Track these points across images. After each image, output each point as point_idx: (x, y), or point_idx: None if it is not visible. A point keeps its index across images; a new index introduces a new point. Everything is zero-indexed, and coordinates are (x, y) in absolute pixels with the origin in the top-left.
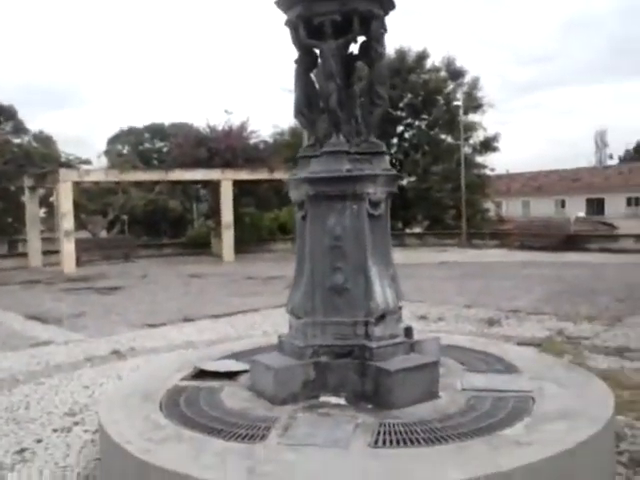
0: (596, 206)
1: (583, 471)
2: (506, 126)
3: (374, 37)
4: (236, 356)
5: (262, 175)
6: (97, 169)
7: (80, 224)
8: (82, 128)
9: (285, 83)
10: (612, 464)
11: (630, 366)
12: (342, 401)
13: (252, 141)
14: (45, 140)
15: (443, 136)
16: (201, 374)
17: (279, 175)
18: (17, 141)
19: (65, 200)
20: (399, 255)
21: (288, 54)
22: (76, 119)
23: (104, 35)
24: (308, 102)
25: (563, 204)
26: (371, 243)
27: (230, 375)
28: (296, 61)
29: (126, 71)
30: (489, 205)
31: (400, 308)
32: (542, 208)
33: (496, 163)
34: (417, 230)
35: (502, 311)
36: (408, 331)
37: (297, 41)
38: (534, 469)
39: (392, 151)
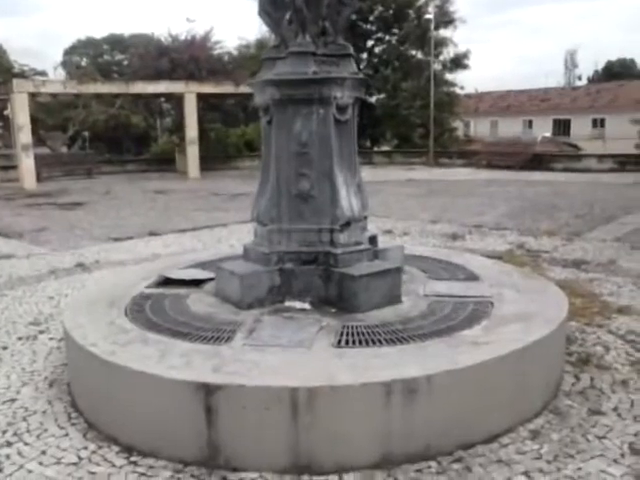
0: (563, 127)
1: (534, 368)
2: (476, 44)
3: None
4: (202, 265)
5: (227, 89)
6: (54, 80)
7: (39, 140)
8: (36, 38)
9: None
10: (561, 363)
11: (585, 277)
12: (307, 305)
13: (216, 52)
14: None
15: (413, 52)
16: (167, 282)
17: (245, 89)
18: None
19: (21, 113)
20: (367, 173)
21: None
22: (29, 28)
23: None
24: (273, 0)
25: (530, 124)
26: (337, 149)
27: (196, 282)
28: None
29: None
30: (457, 124)
31: (365, 217)
32: (510, 128)
33: (465, 81)
34: (385, 148)
35: (466, 226)
36: (373, 239)
37: None
38: (489, 366)
39: (361, 66)
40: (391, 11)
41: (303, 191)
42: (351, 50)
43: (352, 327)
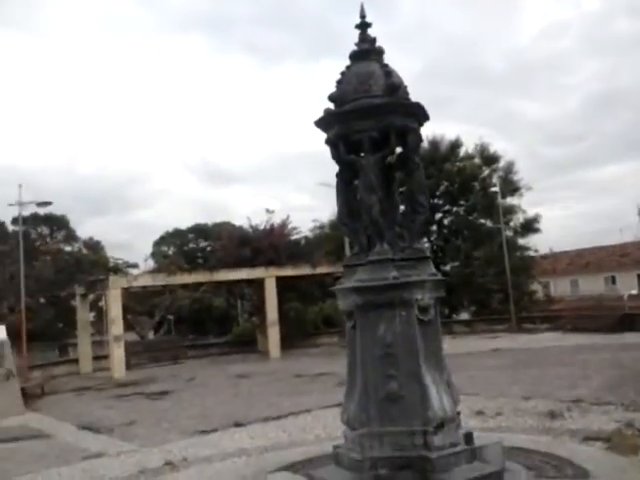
0: None
1: None
2: (545, 205)
3: (411, 149)
4: (291, 467)
5: (305, 271)
6: (144, 274)
7: (128, 326)
8: (128, 232)
9: (322, 177)
10: None
11: None
12: None
13: (294, 237)
14: (94, 246)
15: (482, 220)
16: None
17: (322, 270)
18: (68, 249)
19: (114, 306)
20: (447, 344)
21: (324, 150)
22: (123, 224)
23: (149, 140)
24: (350, 212)
25: (614, 280)
26: (423, 349)
27: None
28: (337, 175)
29: (170, 176)
30: (536, 286)
31: (458, 414)
32: (592, 286)
33: (539, 243)
34: (465, 316)
35: (563, 402)
36: (468, 437)
37: (337, 157)
38: None
39: (432, 238)
40: (456, 185)
41: (392, 392)
42: (428, 253)
43: None
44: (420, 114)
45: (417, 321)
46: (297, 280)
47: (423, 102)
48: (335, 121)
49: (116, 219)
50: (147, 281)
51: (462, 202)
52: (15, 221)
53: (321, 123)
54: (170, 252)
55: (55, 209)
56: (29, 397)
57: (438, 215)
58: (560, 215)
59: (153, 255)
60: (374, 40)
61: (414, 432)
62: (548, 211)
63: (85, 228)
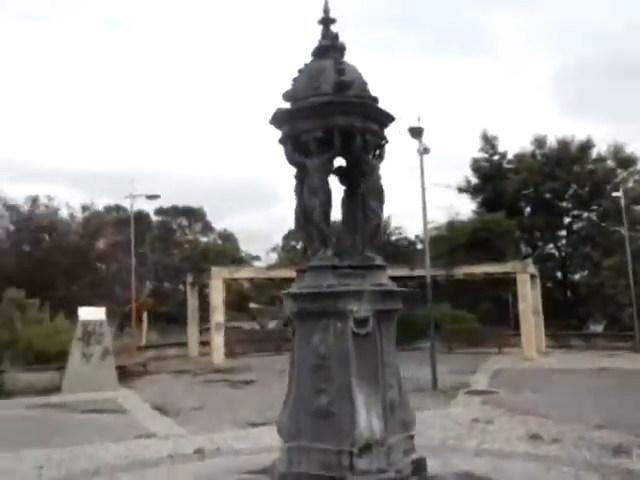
0: None
1: None
2: None
3: (359, 150)
4: (264, 470)
5: (402, 272)
6: (247, 267)
7: (251, 316)
8: (272, 226)
9: (435, 179)
10: None
11: None
12: None
13: (394, 238)
14: (228, 237)
15: (616, 228)
16: None
17: (420, 272)
18: (204, 239)
19: (216, 295)
20: (557, 359)
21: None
22: (267, 217)
23: None
24: (306, 216)
25: None
26: (357, 364)
27: None
28: (294, 176)
29: None
30: None
31: (411, 437)
32: None
33: None
34: (598, 329)
35: (638, 436)
36: (418, 464)
37: (288, 158)
38: None
39: (559, 244)
40: (587, 189)
41: (321, 407)
42: (379, 261)
43: None
44: (372, 113)
45: (352, 334)
46: (394, 281)
47: (567, 98)
48: (284, 120)
49: (259, 212)
50: (248, 274)
51: (594, 207)
52: (158, 212)
53: (274, 122)
54: (298, 247)
55: (201, 202)
56: (130, 374)
57: (567, 219)
58: None
59: (282, 249)
60: (336, 36)
61: (342, 451)
62: None
63: (230, 220)
